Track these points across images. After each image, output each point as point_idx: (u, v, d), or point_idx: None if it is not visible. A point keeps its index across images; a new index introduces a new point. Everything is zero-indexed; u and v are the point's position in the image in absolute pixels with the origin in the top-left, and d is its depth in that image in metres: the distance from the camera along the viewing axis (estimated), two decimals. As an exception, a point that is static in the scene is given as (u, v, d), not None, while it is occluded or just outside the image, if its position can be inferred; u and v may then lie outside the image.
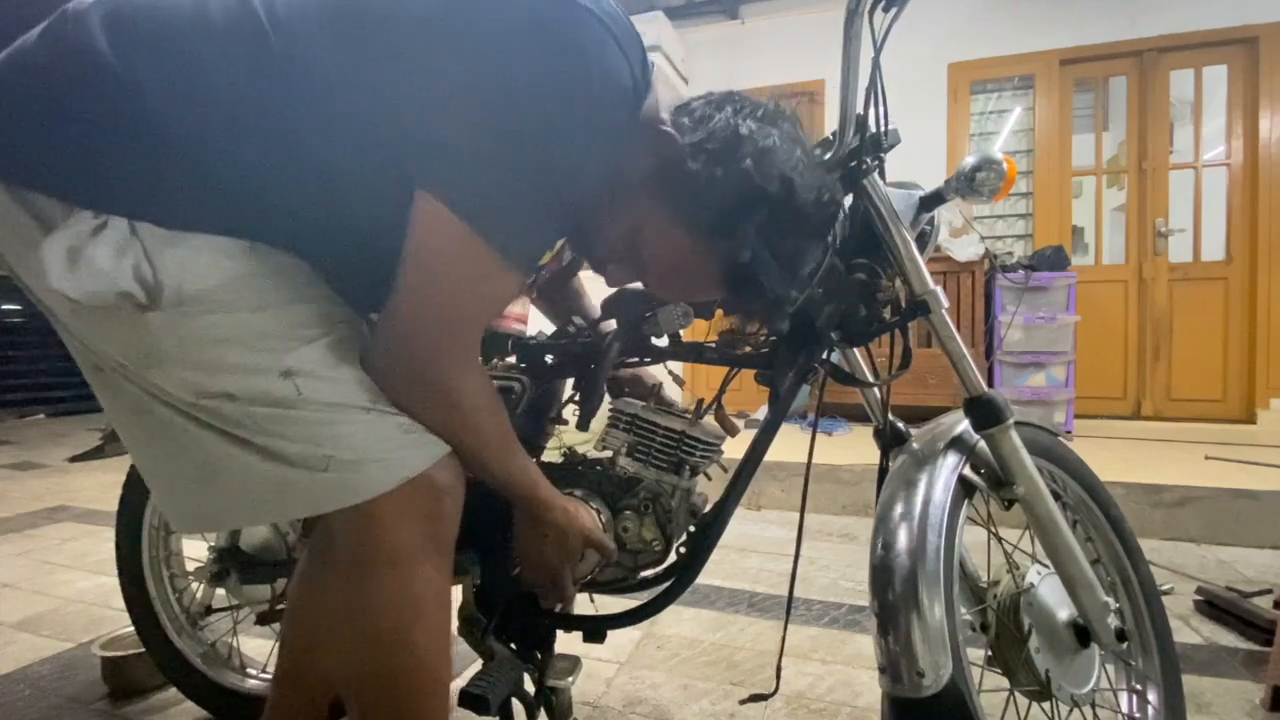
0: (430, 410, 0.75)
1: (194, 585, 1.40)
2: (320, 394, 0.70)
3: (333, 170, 0.71)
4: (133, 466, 1.38)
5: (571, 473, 1.06)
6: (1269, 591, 1.86)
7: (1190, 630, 1.72)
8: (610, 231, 0.83)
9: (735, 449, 1.03)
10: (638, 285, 1.07)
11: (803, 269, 0.83)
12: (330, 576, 0.78)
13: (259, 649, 1.46)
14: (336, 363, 0.73)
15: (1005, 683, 0.92)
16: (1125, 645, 0.93)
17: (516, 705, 1.06)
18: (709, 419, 1.05)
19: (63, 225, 0.65)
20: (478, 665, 1.02)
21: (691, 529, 1.05)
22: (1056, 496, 1.03)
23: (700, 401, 1.07)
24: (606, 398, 1.09)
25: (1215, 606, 1.84)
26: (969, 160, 0.91)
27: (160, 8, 0.69)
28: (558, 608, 1.05)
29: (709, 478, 1.10)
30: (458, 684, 0.96)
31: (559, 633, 1.10)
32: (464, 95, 0.67)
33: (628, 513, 1.01)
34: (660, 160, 0.78)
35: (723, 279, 0.82)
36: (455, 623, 1.08)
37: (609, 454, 1.05)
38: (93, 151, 0.66)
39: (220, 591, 1.33)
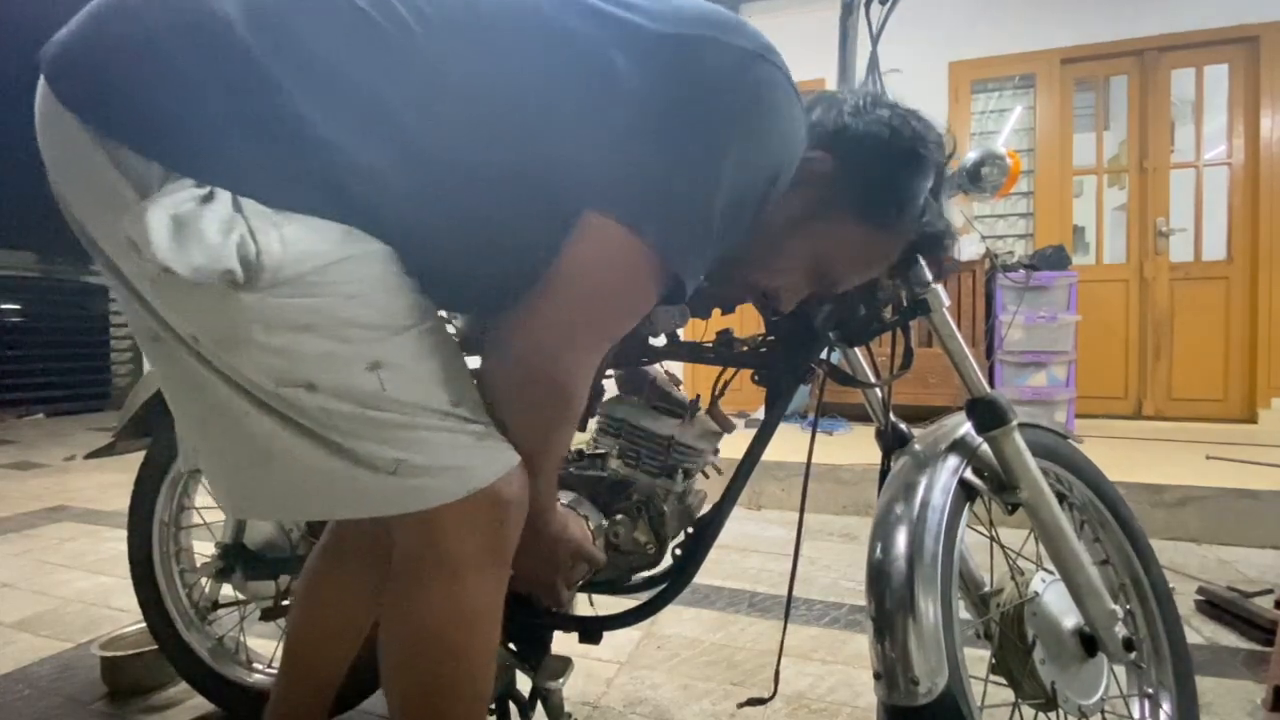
0: (542, 405, 0.74)
1: (202, 581, 1.41)
2: (403, 390, 0.68)
3: (459, 178, 0.70)
4: (144, 462, 1.39)
5: (565, 475, 1.06)
6: (1270, 591, 1.86)
7: (1191, 630, 1.71)
8: (784, 262, 0.85)
9: (734, 449, 1.02)
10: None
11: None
12: (385, 580, 0.77)
13: (265, 645, 1.46)
14: (424, 358, 0.71)
15: (1010, 693, 0.92)
16: (1133, 654, 0.92)
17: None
18: (704, 418, 1.04)
19: (163, 191, 0.61)
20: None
21: (689, 530, 1.04)
22: (1062, 498, 1.02)
23: (698, 397, 1.06)
24: (606, 397, 1.09)
25: (1216, 606, 1.84)
26: (972, 155, 0.91)
27: None
28: (554, 608, 1.05)
29: (706, 476, 1.09)
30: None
31: (557, 633, 1.10)
32: (659, 136, 0.69)
33: (620, 516, 1.00)
34: (821, 181, 0.81)
35: (910, 247, 0.89)
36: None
37: (601, 453, 1.04)
38: (201, 118, 0.62)
39: (227, 587, 1.34)
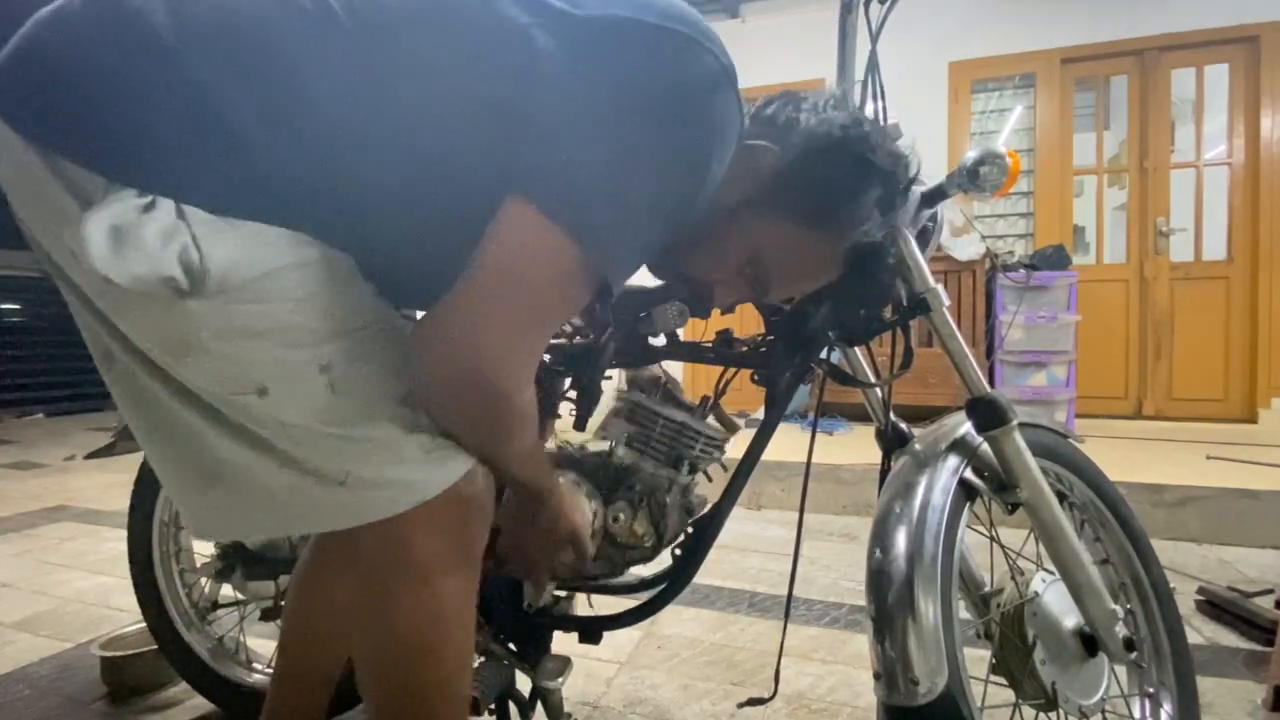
0: (479, 413, 0.71)
1: (202, 581, 1.41)
2: (353, 392, 0.68)
3: (396, 171, 0.69)
4: (144, 461, 1.38)
5: (566, 460, 1.05)
6: (1270, 591, 1.85)
7: (1192, 630, 1.71)
8: (716, 256, 0.84)
9: (734, 449, 1.02)
10: (635, 284, 1.06)
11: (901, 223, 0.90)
12: (356, 586, 0.77)
13: (265, 645, 1.45)
14: (375, 360, 0.70)
15: (1010, 694, 0.91)
16: (1134, 654, 0.92)
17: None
18: (711, 419, 1.04)
19: (104, 202, 0.61)
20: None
21: (689, 530, 1.04)
22: (1063, 498, 1.02)
23: (706, 398, 1.06)
24: (604, 397, 1.09)
25: (1217, 606, 1.84)
26: (971, 154, 0.90)
27: None
28: (532, 598, 1.04)
29: (709, 478, 1.09)
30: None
31: (557, 633, 1.10)
32: (585, 122, 0.66)
33: (621, 504, 0.99)
34: (763, 174, 0.80)
35: (844, 263, 0.85)
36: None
37: (607, 445, 1.04)
38: (141, 128, 0.62)
39: (227, 587, 1.34)
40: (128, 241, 0.60)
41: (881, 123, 0.88)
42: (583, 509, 0.95)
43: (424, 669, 0.74)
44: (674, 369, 1.16)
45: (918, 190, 0.94)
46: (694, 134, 0.69)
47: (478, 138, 0.68)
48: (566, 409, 1.13)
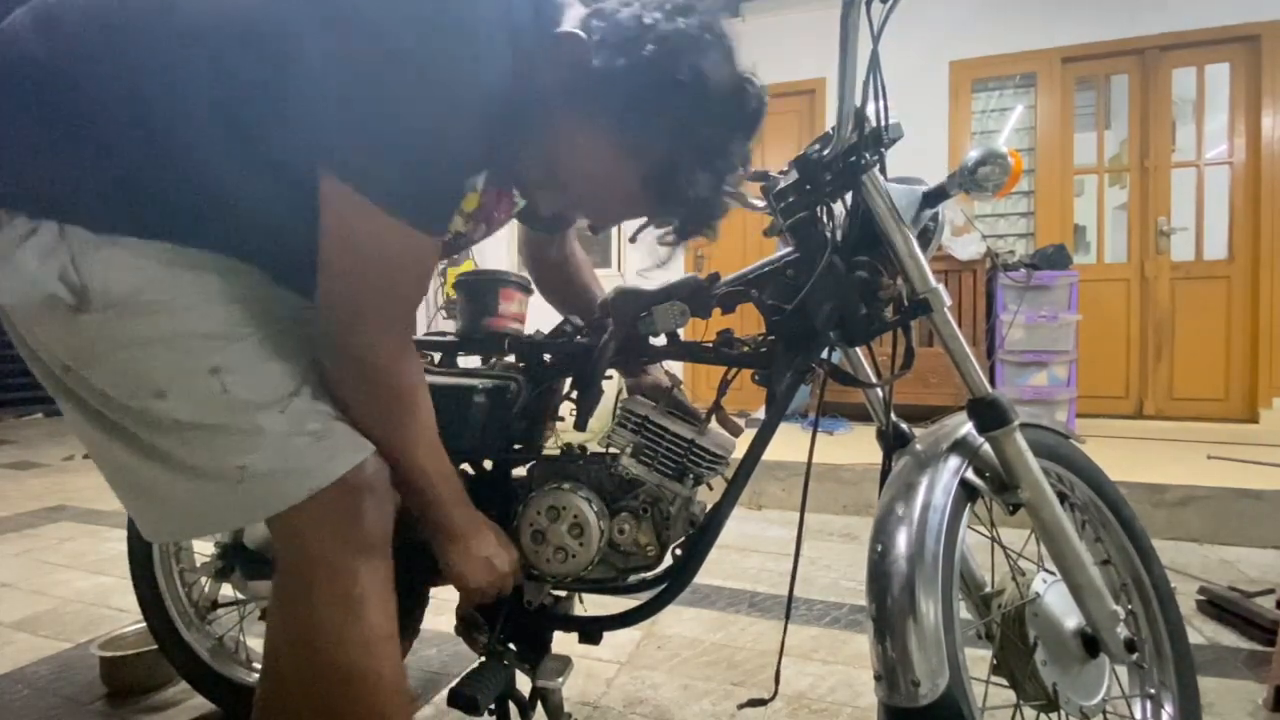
0: (370, 393, 0.77)
1: (202, 580, 1.40)
2: (244, 392, 0.72)
3: (248, 168, 0.71)
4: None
5: (571, 467, 1.05)
6: (1271, 591, 1.85)
7: (1193, 630, 1.71)
8: (528, 154, 0.80)
9: (734, 449, 1.02)
10: (636, 284, 1.06)
11: (729, 170, 0.79)
12: (274, 586, 0.80)
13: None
14: (265, 361, 0.74)
15: (1011, 695, 0.91)
16: (1135, 655, 0.91)
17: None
18: (717, 428, 1.04)
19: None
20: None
21: (691, 530, 1.04)
22: (1064, 498, 1.02)
23: (713, 406, 1.06)
24: (605, 397, 1.09)
25: (1218, 606, 1.83)
26: (973, 154, 0.90)
27: (84, 3, 0.69)
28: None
29: (710, 487, 1.09)
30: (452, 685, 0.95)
31: (557, 633, 1.09)
32: (339, 76, 0.65)
33: (625, 514, 1.00)
34: (567, 67, 0.74)
35: (646, 186, 0.78)
36: (454, 622, 1.08)
37: (611, 451, 1.04)
38: (24, 156, 0.67)
39: (227, 587, 1.33)
40: (7, 265, 0.67)
41: (883, 123, 0.87)
42: (505, 552, 0.94)
43: (333, 655, 0.75)
44: (674, 368, 1.16)
45: (919, 190, 0.94)
46: (441, 48, 0.65)
47: (288, 133, 0.69)
48: (567, 409, 1.13)
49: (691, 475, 1.00)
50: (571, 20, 0.76)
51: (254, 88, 0.69)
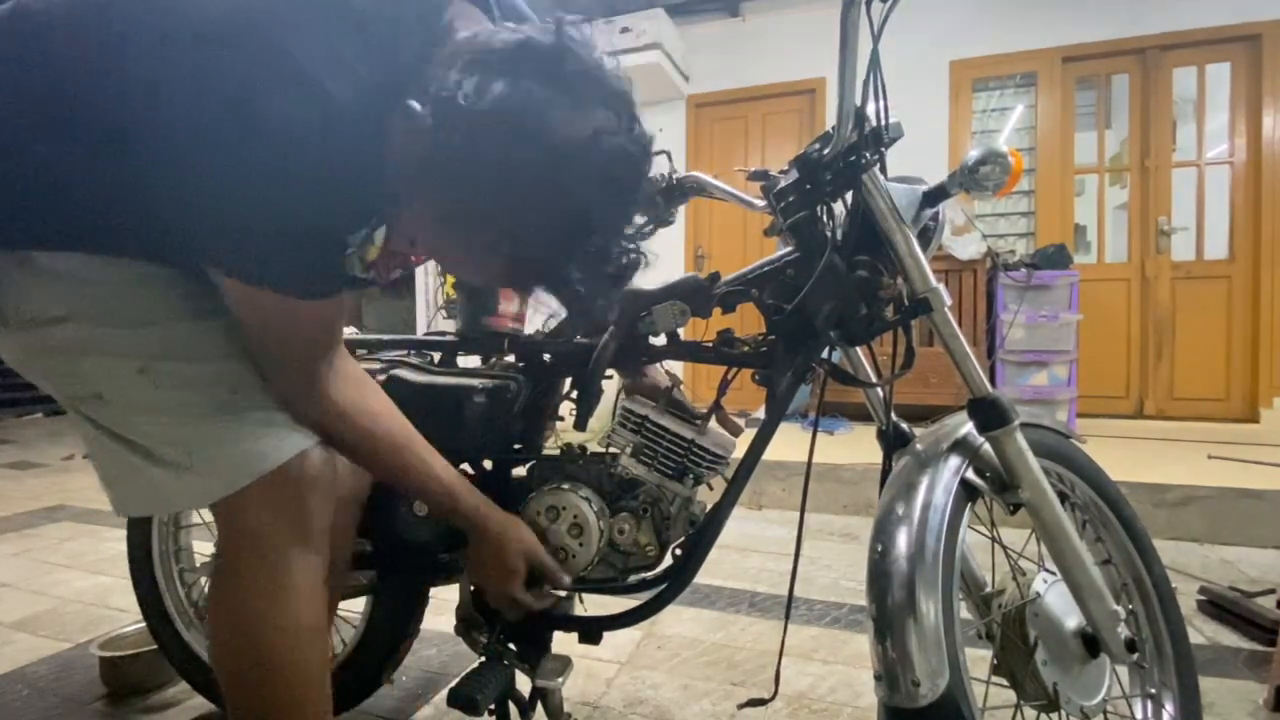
0: (343, 433, 0.81)
1: (202, 580, 1.40)
2: (176, 386, 0.74)
3: (133, 174, 0.67)
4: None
5: (571, 467, 1.05)
6: (1272, 591, 1.85)
7: (1193, 630, 1.71)
8: (405, 219, 0.74)
9: (735, 449, 1.02)
10: (635, 284, 1.06)
11: (610, 245, 0.68)
12: (212, 571, 0.83)
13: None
14: (194, 356, 0.75)
15: (1011, 695, 0.91)
16: (1135, 655, 0.91)
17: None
18: (716, 428, 1.04)
19: None
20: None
21: (692, 530, 1.04)
22: (1064, 498, 1.02)
23: (713, 406, 1.06)
24: (605, 396, 1.08)
25: (1218, 606, 1.83)
26: (973, 154, 0.90)
27: None
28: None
29: (710, 487, 1.09)
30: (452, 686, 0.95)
31: (557, 633, 1.09)
32: (199, 172, 0.63)
33: (625, 514, 1.00)
34: (413, 144, 0.64)
35: (513, 273, 0.71)
36: (453, 622, 1.08)
37: (611, 451, 1.04)
38: None
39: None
40: None
41: (884, 122, 0.87)
42: (528, 530, 0.97)
43: (260, 638, 0.77)
44: (674, 368, 1.16)
45: (920, 189, 0.94)
46: (272, 126, 0.60)
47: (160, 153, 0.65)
48: (567, 409, 1.13)
49: (691, 475, 1.00)
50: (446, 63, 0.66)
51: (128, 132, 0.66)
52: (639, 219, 0.72)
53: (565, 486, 1.00)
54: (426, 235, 0.74)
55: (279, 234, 0.65)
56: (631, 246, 0.71)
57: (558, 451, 1.08)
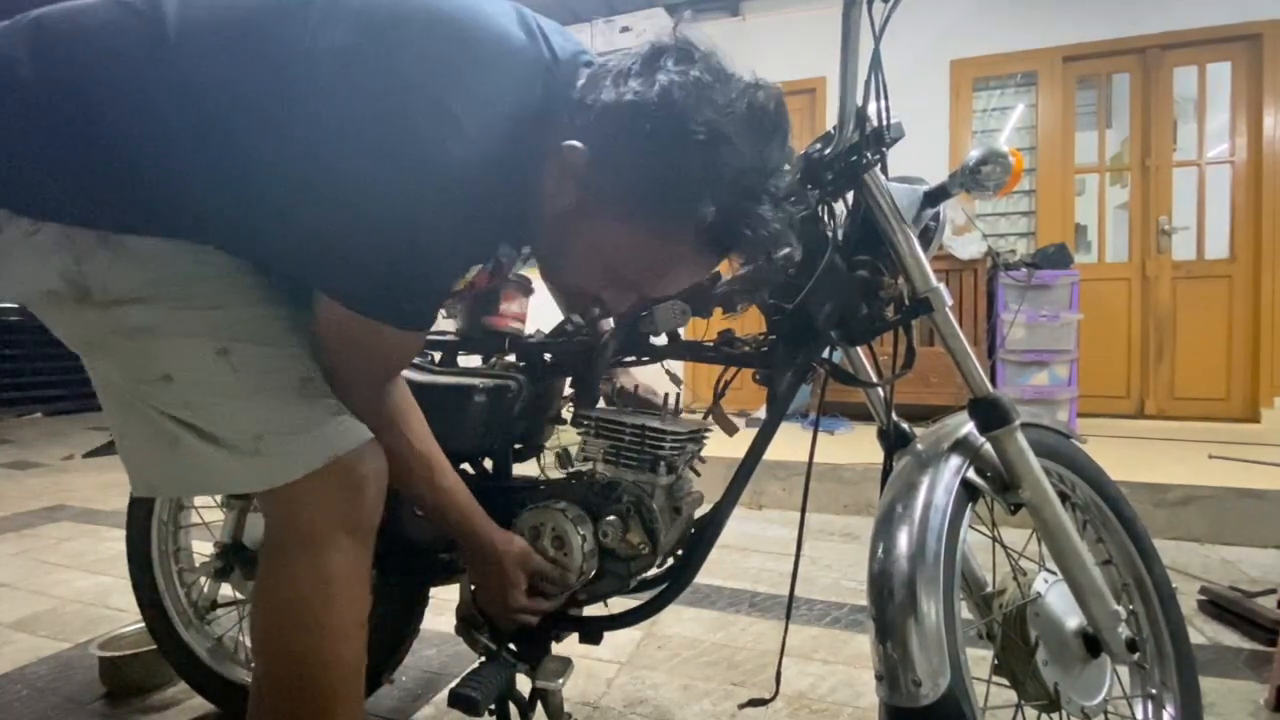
0: (387, 446, 0.83)
1: (201, 580, 1.40)
2: (255, 371, 0.75)
3: (234, 174, 0.71)
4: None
5: (551, 486, 1.06)
6: (1273, 591, 1.85)
7: (1194, 630, 1.71)
8: (579, 268, 0.79)
9: (735, 448, 1.02)
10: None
11: (780, 186, 0.74)
12: (260, 558, 0.82)
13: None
14: (269, 343, 0.76)
15: (1012, 695, 0.91)
16: (1136, 655, 0.91)
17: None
18: (692, 417, 1.04)
19: (3, 232, 0.71)
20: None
21: (690, 530, 1.04)
22: (1065, 498, 1.01)
23: (666, 396, 1.06)
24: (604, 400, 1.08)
25: (1219, 606, 1.83)
26: (974, 154, 0.90)
27: (75, 14, 0.70)
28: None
29: (697, 473, 1.08)
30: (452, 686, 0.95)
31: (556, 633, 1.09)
32: (327, 194, 0.68)
33: (610, 519, 0.98)
34: (577, 176, 0.71)
35: (702, 250, 0.75)
36: (454, 622, 1.08)
37: (589, 465, 1.04)
38: (24, 164, 0.69)
39: (226, 587, 1.33)
40: (8, 264, 0.72)
41: (885, 122, 0.87)
42: (523, 543, 0.98)
43: (306, 634, 0.77)
44: (674, 368, 1.16)
45: (920, 189, 0.93)
46: (433, 171, 0.66)
47: (276, 156, 0.70)
48: (566, 409, 1.13)
49: (663, 463, 0.98)
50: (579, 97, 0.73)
51: (241, 115, 0.70)
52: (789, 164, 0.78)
53: (541, 505, 1.01)
54: (603, 255, 0.76)
55: (400, 275, 0.71)
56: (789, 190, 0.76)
57: (554, 455, 1.09)
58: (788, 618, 1.05)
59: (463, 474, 1.03)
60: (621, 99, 0.69)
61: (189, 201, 0.71)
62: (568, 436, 1.13)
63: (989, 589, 1.00)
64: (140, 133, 0.68)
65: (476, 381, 1.05)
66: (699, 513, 1.06)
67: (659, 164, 0.68)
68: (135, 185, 0.70)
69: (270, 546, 0.81)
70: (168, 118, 0.68)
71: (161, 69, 0.68)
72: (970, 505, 0.89)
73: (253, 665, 0.92)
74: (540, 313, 1.24)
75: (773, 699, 1.04)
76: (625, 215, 0.72)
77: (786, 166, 0.76)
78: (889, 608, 0.77)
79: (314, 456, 0.75)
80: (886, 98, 0.87)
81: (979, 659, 0.87)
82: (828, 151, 0.89)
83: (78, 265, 0.70)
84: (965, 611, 0.94)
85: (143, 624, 1.40)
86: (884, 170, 0.90)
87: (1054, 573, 0.94)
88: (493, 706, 1.02)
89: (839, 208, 0.93)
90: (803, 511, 1.03)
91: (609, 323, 1.08)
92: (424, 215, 0.67)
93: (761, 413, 0.98)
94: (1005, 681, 0.92)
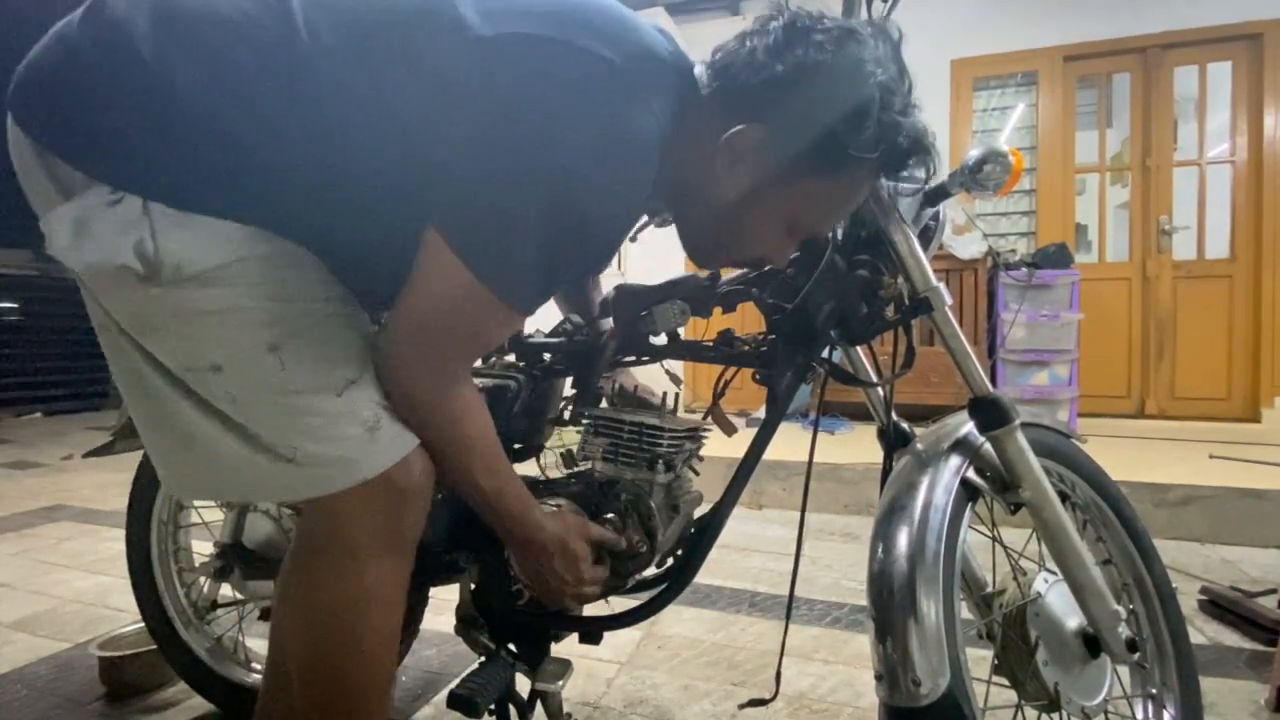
0: (419, 422, 0.78)
1: (201, 580, 1.40)
2: (301, 371, 0.73)
3: (343, 174, 0.73)
4: (142, 460, 1.38)
5: (551, 484, 1.05)
6: (1273, 591, 1.85)
7: (1195, 630, 1.70)
8: (758, 239, 0.84)
9: (735, 448, 1.02)
10: (639, 282, 1.06)
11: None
12: (289, 565, 0.81)
13: (264, 645, 1.45)
14: (324, 343, 0.75)
15: (1012, 695, 0.91)
16: (1137, 655, 0.91)
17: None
18: (690, 417, 1.04)
19: (78, 196, 0.69)
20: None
21: (690, 529, 1.04)
22: (1065, 498, 1.01)
23: (664, 395, 1.06)
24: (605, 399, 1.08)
25: (1219, 606, 1.83)
26: (974, 153, 0.89)
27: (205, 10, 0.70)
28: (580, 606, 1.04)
29: (696, 473, 1.08)
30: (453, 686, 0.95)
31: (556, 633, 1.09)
32: (489, 148, 0.70)
33: (609, 517, 0.98)
34: (756, 156, 0.77)
35: (878, 175, 0.83)
36: (453, 622, 1.08)
37: (588, 464, 1.04)
38: (116, 133, 0.68)
39: (226, 587, 1.33)
40: (87, 233, 0.69)
41: None
42: (576, 515, 0.96)
43: (340, 649, 0.77)
44: (674, 367, 1.16)
45: (920, 189, 0.93)
46: (576, 147, 0.69)
47: (401, 161, 0.73)
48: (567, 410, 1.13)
49: (661, 460, 0.98)
50: (702, 86, 0.81)
51: (361, 104, 0.72)
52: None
53: (542, 504, 1.00)
54: (779, 221, 0.82)
55: (530, 251, 0.72)
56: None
57: (555, 455, 1.08)
58: (788, 618, 1.04)
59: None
60: (805, 61, 0.73)
61: (291, 193, 0.71)
62: (569, 437, 1.13)
63: (989, 589, 0.99)
64: (259, 126, 0.69)
65: (476, 381, 1.05)
66: (699, 513, 1.06)
67: (850, 111, 0.73)
68: (239, 171, 0.70)
69: (304, 552, 0.79)
70: (293, 114, 0.69)
71: (293, 65, 0.69)
72: (970, 505, 0.89)
73: (264, 663, 0.91)
74: (540, 312, 1.24)
75: (773, 699, 1.04)
76: (813, 170, 0.77)
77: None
78: (889, 608, 0.76)
79: (352, 470, 0.74)
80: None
81: (979, 659, 0.87)
82: None
83: (155, 242, 0.69)
84: (965, 611, 0.94)
85: (142, 624, 1.40)
86: (884, 170, 0.90)
87: (1054, 573, 0.94)
88: (492, 707, 1.02)
89: None
90: (803, 511, 1.03)
91: (608, 322, 1.08)
92: (598, 201, 0.71)
93: (761, 413, 0.97)
94: (1005, 682, 0.91)
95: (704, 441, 1.06)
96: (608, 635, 1.06)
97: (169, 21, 0.69)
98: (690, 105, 0.79)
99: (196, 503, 1.43)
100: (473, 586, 1.06)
